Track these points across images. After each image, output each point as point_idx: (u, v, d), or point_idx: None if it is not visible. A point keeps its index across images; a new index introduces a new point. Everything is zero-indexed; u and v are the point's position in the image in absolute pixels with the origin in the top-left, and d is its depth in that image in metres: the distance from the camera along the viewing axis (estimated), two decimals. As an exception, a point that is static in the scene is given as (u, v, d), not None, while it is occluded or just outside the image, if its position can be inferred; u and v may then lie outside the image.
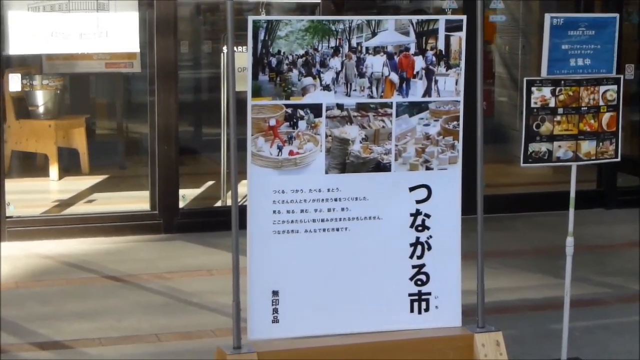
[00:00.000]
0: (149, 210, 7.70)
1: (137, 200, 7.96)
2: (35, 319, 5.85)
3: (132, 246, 7.29)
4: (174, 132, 7.71)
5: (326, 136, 4.22)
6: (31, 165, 8.85)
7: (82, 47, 7.56)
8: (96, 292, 6.43)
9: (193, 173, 8.43)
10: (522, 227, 7.26)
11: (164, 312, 6.02)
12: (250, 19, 4.10)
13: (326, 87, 4.20)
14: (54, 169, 8.71)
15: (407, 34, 4.35)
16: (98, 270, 6.82)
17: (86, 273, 6.78)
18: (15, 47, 7.49)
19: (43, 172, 8.77)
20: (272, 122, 4.14)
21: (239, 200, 4.25)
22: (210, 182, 8.54)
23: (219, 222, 7.05)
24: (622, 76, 4.75)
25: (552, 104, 4.56)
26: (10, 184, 7.44)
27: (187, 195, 8.20)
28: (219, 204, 8.13)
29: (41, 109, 8.88)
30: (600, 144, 4.66)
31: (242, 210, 4.10)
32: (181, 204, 7.91)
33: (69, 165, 8.88)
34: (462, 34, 4.36)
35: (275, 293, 4.18)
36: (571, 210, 4.75)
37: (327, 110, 4.22)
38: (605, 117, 4.64)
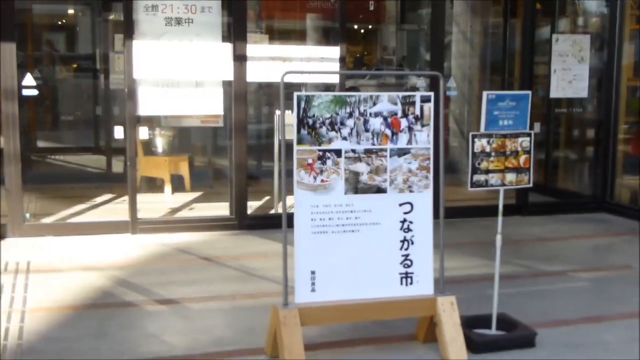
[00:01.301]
0: (228, 215, 7.73)
1: (221, 209, 7.96)
2: (155, 285, 5.89)
3: (217, 238, 7.31)
4: (244, 164, 7.75)
5: (345, 170, 4.28)
6: (153, 185, 8.91)
7: (188, 111, 7.60)
8: (195, 268, 6.46)
9: (256, 191, 8.43)
10: (469, 227, 7.28)
11: (238, 281, 6.07)
12: (295, 94, 4.19)
13: (344, 138, 4.27)
14: (168, 188, 8.75)
15: (395, 104, 4.40)
16: (196, 254, 6.78)
17: (189, 255, 6.76)
18: (144, 109, 7.29)
19: (161, 190, 8.81)
20: (310, 161, 4.21)
21: (286, 209, 4.30)
22: (267, 197, 8.56)
23: (273, 224, 7.06)
24: (532, 131, 4.80)
25: (487, 149, 4.58)
26: (140, 198, 7.48)
27: (252, 205, 8.10)
28: (272, 211, 8.14)
29: (160, 149, 8.97)
30: (518, 175, 4.70)
31: (289, 216, 4.20)
32: (248, 211, 7.91)
33: (177, 185, 8.94)
34: (431, 105, 4.42)
35: (312, 272, 4.25)
36: (500, 217, 4.79)
37: (345, 153, 4.28)
38: (522, 158, 4.67)
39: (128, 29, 7.20)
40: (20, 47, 7.33)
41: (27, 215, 7.41)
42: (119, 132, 7.68)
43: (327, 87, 8.39)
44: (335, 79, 7.96)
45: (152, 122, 8.11)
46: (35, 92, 7.68)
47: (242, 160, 7.68)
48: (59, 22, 12.84)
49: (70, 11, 12.61)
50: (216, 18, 7.35)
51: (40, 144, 11.42)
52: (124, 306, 5.47)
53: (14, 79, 7.05)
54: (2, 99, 7.08)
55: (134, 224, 7.38)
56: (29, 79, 7.42)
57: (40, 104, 11.26)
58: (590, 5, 9.55)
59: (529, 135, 4.70)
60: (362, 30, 11.52)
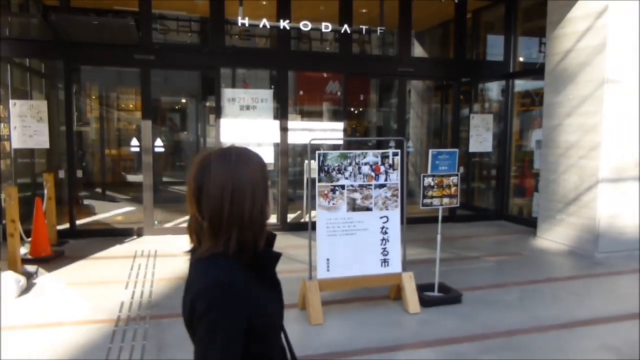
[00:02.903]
0: (276, 222, 7.67)
1: (271, 218, 7.93)
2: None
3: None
4: (286, 191, 7.70)
5: (346, 197, 4.25)
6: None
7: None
8: None
9: (292, 208, 8.34)
10: (420, 230, 7.17)
11: (282, 263, 5.99)
12: (317, 153, 4.21)
13: (346, 178, 4.25)
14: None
15: (377, 157, 4.38)
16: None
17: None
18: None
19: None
20: (326, 192, 4.20)
21: (311, 219, 4.27)
22: (299, 212, 8.49)
23: (303, 228, 6.99)
24: (459, 173, 4.75)
25: (432, 184, 4.54)
26: None
27: (290, 216, 7.95)
28: (302, 220, 8.06)
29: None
30: (450, 199, 4.64)
31: (312, 223, 4.17)
32: (288, 220, 7.84)
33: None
34: (398, 157, 4.42)
35: (327, 259, 4.25)
36: (439, 224, 4.74)
37: (346, 187, 4.26)
38: (453, 189, 4.63)
39: (217, 111, 7.25)
40: (153, 122, 7.36)
41: (156, 222, 7.42)
42: (211, 172, 7.71)
43: (335, 146, 8.37)
44: (340, 141, 7.96)
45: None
46: (162, 149, 7.73)
47: (284, 189, 7.68)
48: (176, 107, 12.98)
49: (183, 100, 12.75)
50: (270, 105, 7.38)
51: (164, 179, 11.51)
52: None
53: (150, 141, 7.13)
54: (143, 154, 7.15)
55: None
56: (158, 142, 7.47)
57: (164, 156, 11.36)
58: (492, 95, 9.55)
59: (457, 175, 4.67)
60: (356, 111, 11.46)
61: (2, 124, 6.76)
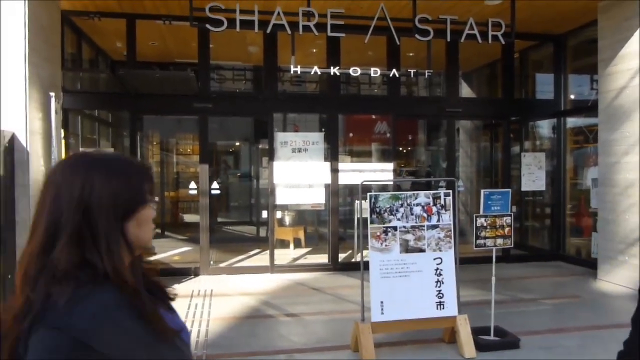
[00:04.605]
0: (327, 262, 7.64)
1: (323, 258, 7.80)
2: (284, 304, 5.85)
3: (320, 276, 7.21)
4: (337, 231, 7.70)
5: (399, 239, 4.23)
6: (283, 244, 8.88)
7: (303, 201, 7.58)
8: (307, 294, 6.35)
9: (343, 248, 8.28)
10: (473, 270, 6.94)
11: (333, 303, 5.98)
12: (368, 194, 4.22)
13: (398, 219, 4.24)
14: (291, 245, 8.76)
15: (429, 198, 4.36)
16: (308, 285, 6.70)
17: (303, 286, 6.68)
18: (279, 200, 7.31)
19: (287, 246, 8.80)
20: (378, 233, 4.19)
21: (363, 259, 4.25)
22: (349, 251, 8.43)
23: (354, 268, 6.94)
24: (512, 212, 4.64)
25: (485, 224, 4.46)
26: (275, 251, 7.44)
27: (341, 256, 7.91)
28: (353, 260, 7.98)
29: (287, 223, 8.98)
30: (504, 240, 4.53)
31: (364, 263, 4.16)
32: (339, 259, 7.80)
33: (297, 244, 8.96)
34: (450, 198, 4.37)
35: (381, 302, 4.19)
36: (493, 265, 4.61)
37: (399, 228, 4.24)
38: (506, 229, 4.52)
39: (270, 154, 7.41)
40: (210, 166, 7.61)
41: (211, 261, 7.56)
42: (264, 213, 7.86)
43: (385, 186, 8.35)
44: (390, 182, 7.94)
45: (283, 207, 8.24)
46: (218, 191, 7.94)
47: (335, 229, 7.68)
48: (230, 150, 13.37)
49: (237, 143, 13.13)
50: (320, 147, 7.50)
51: (219, 219, 11.75)
52: (266, 317, 5.48)
53: (206, 184, 7.37)
54: (200, 196, 7.39)
55: (272, 267, 7.34)
56: (214, 184, 7.68)
57: (220, 197, 11.66)
58: (543, 133, 9.34)
59: (510, 215, 4.57)
60: (404, 151, 11.45)
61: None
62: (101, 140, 8.57)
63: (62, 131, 5.25)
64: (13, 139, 4.55)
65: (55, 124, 4.84)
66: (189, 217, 11.80)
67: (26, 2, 4.58)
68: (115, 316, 0.93)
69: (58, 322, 0.90)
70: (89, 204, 0.98)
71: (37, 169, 4.81)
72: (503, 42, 6.40)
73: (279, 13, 5.78)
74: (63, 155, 5.20)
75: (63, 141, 5.26)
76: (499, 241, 4.58)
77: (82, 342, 0.89)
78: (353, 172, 7.78)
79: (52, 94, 4.87)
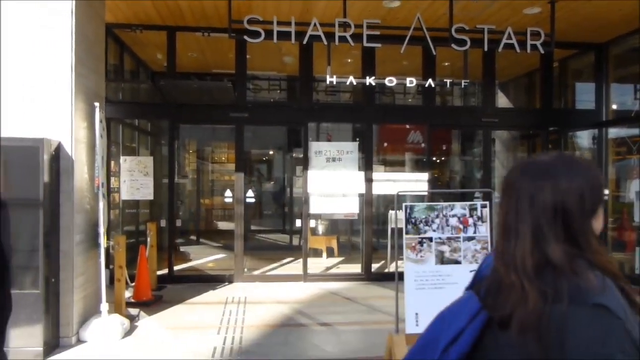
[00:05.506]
0: (360, 272, 7.59)
1: (356, 268, 7.76)
2: (317, 314, 5.83)
3: (353, 286, 7.16)
4: (371, 241, 7.67)
5: (434, 250, 4.15)
6: (316, 253, 8.88)
7: (337, 210, 7.55)
8: (341, 304, 6.32)
9: (376, 257, 8.19)
10: None
11: (367, 313, 5.93)
12: (403, 204, 4.16)
13: (434, 230, 4.16)
14: (324, 255, 8.76)
15: (465, 209, 4.27)
16: (341, 295, 6.67)
17: (337, 296, 6.66)
18: (313, 209, 7.31)
19: (320, 256, 8.78)
20: (413, 244, 4.13)
21: (398, 269, 4.19)
22: (382, 261, 8.35)
23: (387, 278, 6.90)
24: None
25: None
26: (309, 260, 7.46)
27: (374, 266, 7.80)
28: (386, 270, 7.92)
29: (320, 232, 8.98)
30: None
31: (399, 274, 4.09)
32: (372, 269, 7.73)
33: (330, 253, 8.94)
34: (487, 209, 4.27)
35: (416, 314, 4.08)
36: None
37: (434, 239, 4.17)
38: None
39: (304, 163, 7.44)
40: (245, 174, 7.68)
41: (245, 269, 7.60)
42: (298, 222, 7.87)
43: (420, 196, 8.25)
44: (424, 192, 7.85)
45: (317, 216, 8.25)
46: (252, 199, 8.01)
47: (369, 239, 7.63)
48: (264, 158, 13.49)
49: (270, 152, 13.24)
50: (355, 156, 7.47)
51: (253, 227, 11.85)
52: (299, 326, 5.48)
53: (242, 192, 7.45)
54: (235, 204, 7.47)
55: (305, 276, 7.35)
56: (249, 193, 7.75)
57: (254, 205, 11.76)
58: (583, 143, 9.07)
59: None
60: (438, 161, 11.32)
61: (113, 178, 7.38)
62: (140, 149, 8.77)
63: (106, 140, 5.40)
64: (59, 147, 4.72)
65: (99, 133, 4.98)
66: (222, 225, 11.95)
67: (73, 15, 4.76)
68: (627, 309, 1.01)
69: (599, 299, 0.99)
70: (563, 206, 1.07)
71: (80, 177, 4.96)
72: (542, 52, 6.27)
73: (315, 24, 5.82)
74: (105, 163, 5.35)
75: (105, 149, 5.40)
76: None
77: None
78: (387, 182, 7.72)
79: (97, 104, 5.02)
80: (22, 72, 4.69)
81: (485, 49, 6.15)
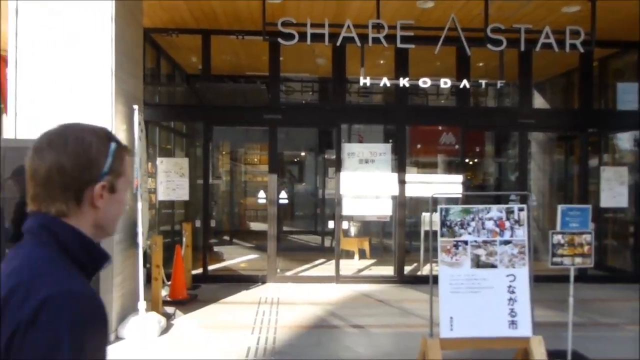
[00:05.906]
0: (392, 274, 7.54)
1: (388, 270, 7.70)
2: (350, 315, 5.83)
3: (386, 288, 7.12)
4: (403, 244, 7.62)
5: (470, 253, 4.10)
6: (348, 254, 8.88)
7: (370, 212, 7.56)
8: (373, 306, 6.29)
9: (409, 260, 8.13)
10: (548, 289, 6.39)
11: (400, 316, 5.90)
12: (438, 207, 4.11)
13: (469, 233, 4.10)
14: (357, 256, 8.72)
15: (501, 212, 4.20)
16: (374, 297, 6.61)
17: (369, 298, 6.62)
18: (346, 211, 7.30)
19: (353, 257, 8.78)
20: (448, 247, 4.08)
21: (432, 272, 4.15)
22: (415, 264, 8.25)
23: (420, 281, 6.84)
24: (592, 230, 4.39)
25: (562, 242, 4.24)
26: (341, 262, 7.44)
27: (406, 268, 7.73)
28: (419, 273, 7.84)
29: (352, 233, 8.95)
30: (583, 259, 4.28)
31: (433, 277, 4.03)
32: (405, 272, 7.67)
33: (362, 255, 8.91)
34: (524, 213, 4.18)
35: (451, 318, 4.02)
36: (571, 285, 4.37)
37: (470, 243, 4.11)
38: (585, 247, 4.28)
39: (337, 165, 7.45)
40: (278, 175, 7.74)
41: (278, 270, 7.65)
42: (330, 223, 7.89)
43: (456, 200, 8.12)
44: (459, 195, 7.75)
45: (349, 218, 8.22)
46: (285, 200, 8.06)
47: (401, 241, 7.59)
48: (296, 159, 13.54)
49: (303, 153, 13.28)
50: (387, 158, 7.44)
51: (285, 228, 11.92)
52: (332, 327, 5.49)
53: (275, 193, 7.52)
54: (268, 205, 7.54)
55: (338, 278, 7.34)
56: (282, 194, 7.80)
57: (286, 206, 11.83)
58: (624, 146, 8.79)
59: (590, 233, 4.32)
60: (472, 163, 11.14)
61: (150, 179, 7.54)
62: (176, 150, 8.95)
63: (144, 142, 5.53)
64: (100, 149, 4.83)
65: (137, 135, 5.11)
66: (255, 225, 12.06)
67: (113, 21, 4.89)
68: None
69: None
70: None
71: (120, 177, 5.06)
72: (582, 51, 6.11)
73: (348, 26, 5.83)
74: (143, 165, 5.48)
75: (144, 151, 5.53)
76: (578, 260, 4.33)
77: None
78: (420, 184, 7.66)
79: (136, 107, 5.15)
80: (66, 77, 4.83)
81: (522, 48, 6.03)
